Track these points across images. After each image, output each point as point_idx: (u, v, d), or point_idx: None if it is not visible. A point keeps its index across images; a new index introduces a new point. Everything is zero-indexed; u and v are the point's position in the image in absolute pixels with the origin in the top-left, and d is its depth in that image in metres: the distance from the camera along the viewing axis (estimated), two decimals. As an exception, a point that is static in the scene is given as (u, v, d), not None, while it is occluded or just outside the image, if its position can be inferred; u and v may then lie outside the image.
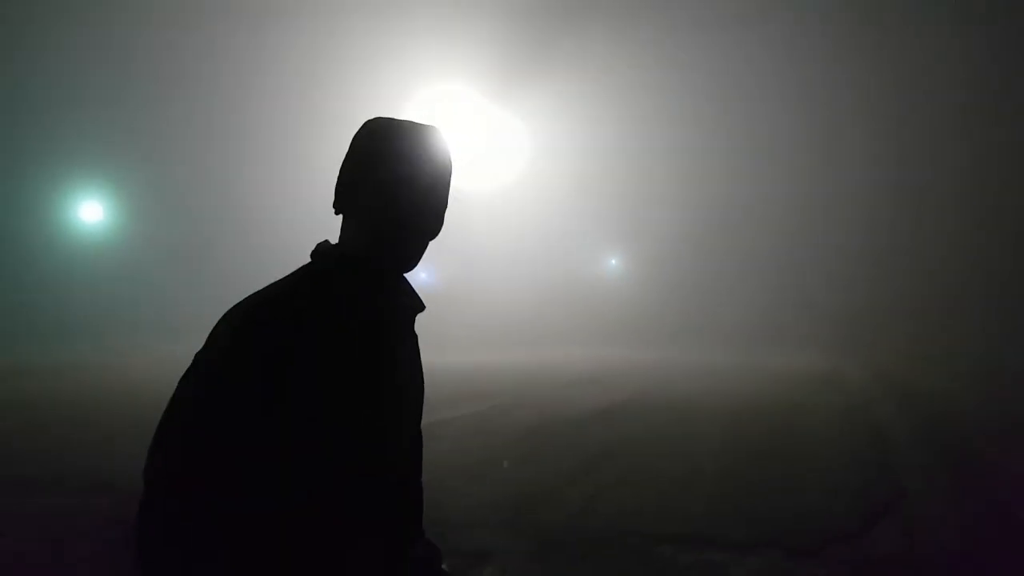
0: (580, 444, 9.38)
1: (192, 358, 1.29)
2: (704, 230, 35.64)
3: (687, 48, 33.77)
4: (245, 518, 1.19)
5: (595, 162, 35.74)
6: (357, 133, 1.41)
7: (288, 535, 1.22)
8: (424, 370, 1.54)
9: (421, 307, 1.45)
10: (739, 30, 32.50)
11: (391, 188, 1.33)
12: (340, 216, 1.41)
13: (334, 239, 1.43)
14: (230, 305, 1.33)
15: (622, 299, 36.35)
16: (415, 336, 1.49)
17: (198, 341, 1.36)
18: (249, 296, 1.31)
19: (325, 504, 1.24)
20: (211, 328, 1.30)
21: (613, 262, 40.49)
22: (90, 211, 33.85)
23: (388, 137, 1.36)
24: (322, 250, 1.38)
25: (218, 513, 1.18)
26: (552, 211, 36.17)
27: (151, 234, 33.16)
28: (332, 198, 1.41)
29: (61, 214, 33.26)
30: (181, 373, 1.30)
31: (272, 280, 1.35)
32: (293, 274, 1.35)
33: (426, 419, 1.63)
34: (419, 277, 37.34)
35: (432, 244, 1.44)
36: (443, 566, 1.57)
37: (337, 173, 1.41)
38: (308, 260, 1.38)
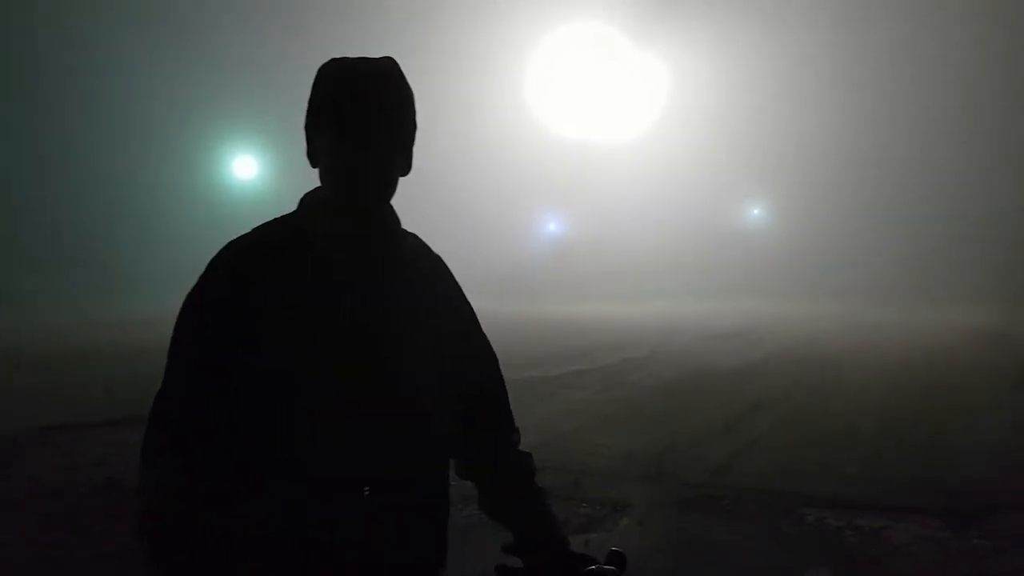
0: (724, 399, 9.11)
1: None
2: (856, 177, 33.54)
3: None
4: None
5: (739, 108, 34.19)
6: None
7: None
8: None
9: (389, 238, 1.38)
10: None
11: (335, 135, 1.30)
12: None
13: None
14: None
15: (766, 250, 34.96)
16: (426, 269, 1.44)
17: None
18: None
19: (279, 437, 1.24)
20: None
21: (756, 212, 38.94)
22: (243, 166, 34.22)
23: (332, 81, 1.33)
24: (303, 197, 1.40)
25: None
26: (692, 159, 34.99)
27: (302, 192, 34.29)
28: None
29: (215, 169, 33.71)
30: None
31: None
32: (275, 219, 1.39)
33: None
34: (546, 228, 37.19)
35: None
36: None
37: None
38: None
